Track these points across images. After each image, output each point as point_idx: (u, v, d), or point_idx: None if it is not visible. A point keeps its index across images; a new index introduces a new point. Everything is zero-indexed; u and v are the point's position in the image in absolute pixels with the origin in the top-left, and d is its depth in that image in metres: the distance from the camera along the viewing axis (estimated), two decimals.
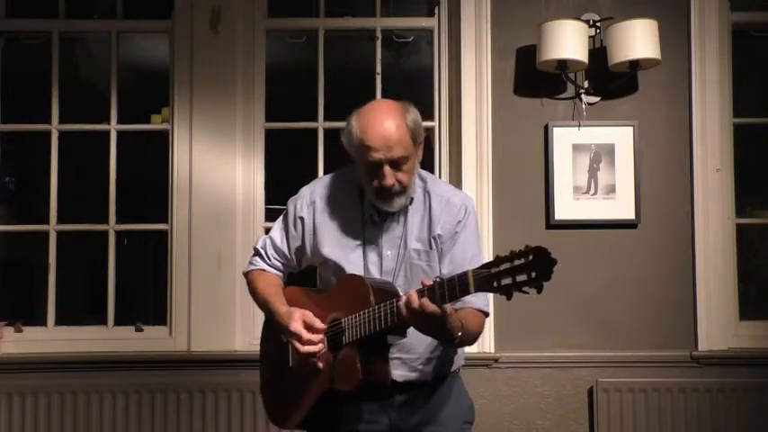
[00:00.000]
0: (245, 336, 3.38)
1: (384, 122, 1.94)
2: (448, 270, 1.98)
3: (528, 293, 1.61)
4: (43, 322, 3.48)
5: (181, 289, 3.38)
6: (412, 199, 2.05)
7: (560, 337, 3.33)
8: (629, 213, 3.33)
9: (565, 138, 3.35)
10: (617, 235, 3.35)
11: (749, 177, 3.63)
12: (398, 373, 1.99)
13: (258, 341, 3.29)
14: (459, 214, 2.05)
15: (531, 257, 1.58)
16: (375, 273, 2.02)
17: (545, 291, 3.49)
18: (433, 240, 2.03)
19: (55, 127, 3.55)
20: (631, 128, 3.35)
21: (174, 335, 3.39)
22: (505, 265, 1.62)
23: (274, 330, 2.09)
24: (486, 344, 3.28)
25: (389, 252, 2.03)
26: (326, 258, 2.07)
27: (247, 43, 3.49)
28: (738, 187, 3.47)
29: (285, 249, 2.17)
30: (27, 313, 3.75)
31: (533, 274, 1.58)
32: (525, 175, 3.37)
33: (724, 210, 3.39)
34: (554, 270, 1.57)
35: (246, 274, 2.25)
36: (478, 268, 1.67)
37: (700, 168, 3.36)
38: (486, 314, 2.06)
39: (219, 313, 3.35)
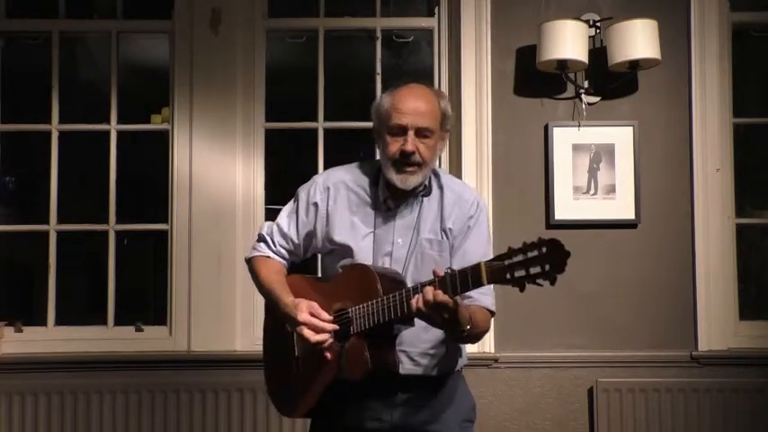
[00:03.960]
0: (245, 336, 3.38)
1: (418, 94, 2.02)
2: (459, 265, 1.97)
3: (542, 285, 1.61)
4: (43, 322, 3.49)
5: (181, 289, 3.38)
6: (429, 190, 2.06)
7: (560, 337, 3.33)
8: (629, 213, 3.33)
9: (565, 138, 3.35)
10: (617, 235, 3.35)
11: (749, 177, 3.63)
12: (402, 366, 1.98)
13: (259, 342, 3.29)
14: (471, 209, 2.07)
15: (544, 249, 1.58)
16: (385, 261, 2.01)
17: (545, 290, 3.48)
18: (443, 233, 2.04)
19: (55, 127, 3.56)
20: (631, 128, 3.35)
21: (174, 335, 3.39)
22: (518, 257, 1.61)
23: (278, 319, 2.06)
24: (486, 344, 3.28)
25: (400, 240, 2.02)
26: (337, 244, 2.06)
27: (247, 43, 3.49)
28: (738, 187, 3.47)
29: (294, 236, 2.13)
30: (27, 313, 3.74)
31: (547, 267, 1.57)
32: (525, 174, 3.37)
33: (724, 210, 3.40)
34: (567, 263, 1.56)
35: (249, 260, 2.19)
36: (491, 260, 1.67)
37: (700, 168, 3.36)
38: (493, 313, 2.05)
39: (219, 313, 3.35)
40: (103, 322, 3.48)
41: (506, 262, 1.63)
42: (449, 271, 1.75)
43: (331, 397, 2.00)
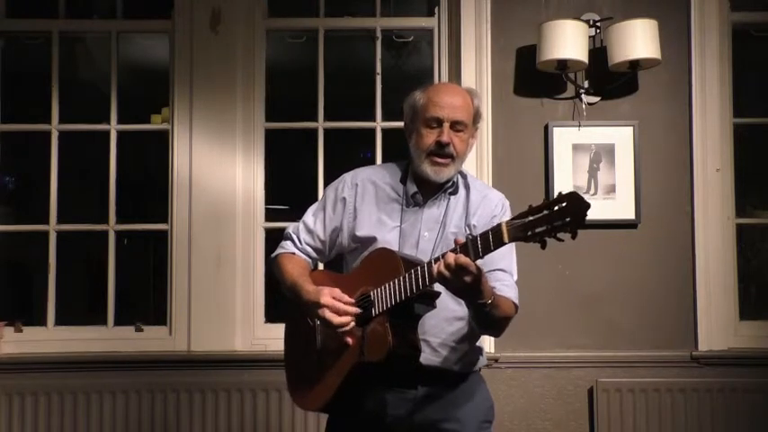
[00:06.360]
0: (246, 336, 3.38)
1: (454, 89, 2.15)
2: (479, 263, 1.98)
3: (563, 240, 1.62)
4: (43, 322, 3.48)
5: (181, 289, 3.38)
6: (456, 188, 2.09)
7: (560, 337, 3.33)
8: (629, 213, 3.33)
9: (565, 138, 3.35)
10: (617, 235, 3.35)
11: (749, 177, 3.63)
12: (423, 355, 1.96)
13: (258, 342, 3.30)
14: (496, 209, 2.10)
15: (564, 204, 1.58)
16: (411, 253, 2.01)
17: (545, 291, 3.47)
18: (467, 228, 2.05)
19: (55, 127, 3.55)
20: (631, 128, 3.35)
21: (174, 335, 3.39)
22: (539, 214, 1.61)
23: (301, 313, 2.06)
24: (486, 344, 3.26)
25: (427, 233, 2.04)
26: (361, 239, 2.07)
27: (247, 43, 3.49)
28: (738, 187, 3.47)
29: (320, 231, 2.16)
30: (27, 313, 3.75)
31: (567, 219, 1.57)
32: (525, 175, 3.37)
33: (724, 210, 3.39)
34: (587, 215, 1.57)
35: (274, 258, 2.21)
36: (511, 219, 1.67)
37: (700, 168, 3.36)
38: (516, 307, 2.04)
39: (219, 313, 3.35)
40: (103, 322, 3.48)
41: (527, 219, 1.63)
42: (470, 236, 1.76)
43: (349, 391, 1.99)
